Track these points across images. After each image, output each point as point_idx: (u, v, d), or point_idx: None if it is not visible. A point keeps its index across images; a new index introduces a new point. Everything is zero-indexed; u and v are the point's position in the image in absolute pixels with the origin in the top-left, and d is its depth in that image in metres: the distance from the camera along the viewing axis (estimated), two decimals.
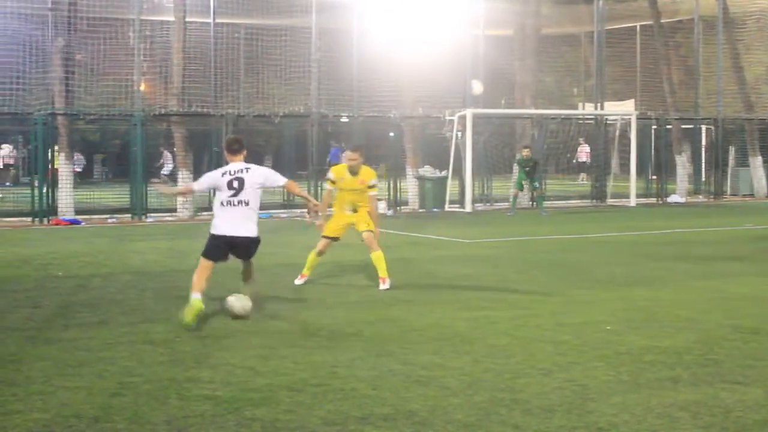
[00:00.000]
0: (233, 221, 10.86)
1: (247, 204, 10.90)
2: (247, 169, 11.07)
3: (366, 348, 9.07)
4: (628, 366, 8.28)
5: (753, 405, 7.04)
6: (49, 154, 26.77)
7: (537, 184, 29.12)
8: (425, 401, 7.20)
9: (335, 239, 13.71)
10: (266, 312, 11.18)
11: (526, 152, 28.92)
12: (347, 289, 13.18)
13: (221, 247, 10.98)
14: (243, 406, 7.03)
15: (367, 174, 13.57)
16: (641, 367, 8.23)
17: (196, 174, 24.13)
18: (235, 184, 10.91)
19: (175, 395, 7.33)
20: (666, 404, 7.08)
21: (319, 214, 12.98)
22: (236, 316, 10.56)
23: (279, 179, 11.35)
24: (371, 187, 13.60)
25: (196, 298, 10.36)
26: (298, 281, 13.70)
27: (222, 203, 10.93)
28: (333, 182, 13.66)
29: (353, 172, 13.46)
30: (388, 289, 13.02)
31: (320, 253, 13.73)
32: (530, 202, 30.70)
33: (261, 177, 11.14)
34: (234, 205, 10.87)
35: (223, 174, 11.05)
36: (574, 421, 6.70)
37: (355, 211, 13.61)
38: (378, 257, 13.46)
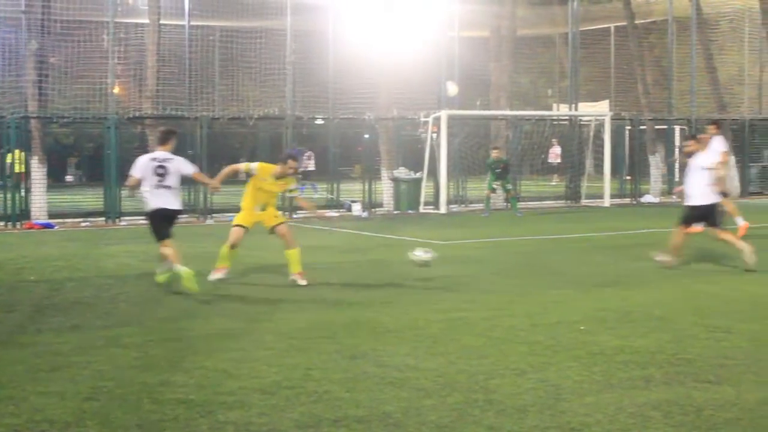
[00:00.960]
0: (164, 198, 13.23)
1: (169, 188, 13.23)
2: (170, 159, 13.33)
3: (340, 350, 9.07)
4: (601, 366, 8.31)
5: (724, 404, 7.09)
6: (9, 157, 26.48)
7: (509, 186, 29.15)
8: (399, 403, 7.21)
9: (247, 228, 14.08)
10: (240, 315, 11.17)
11: (495, 153, 28.98)
12: (321, 291, 13.16)
13: (162, 222, 13.35)
14: (216, 410, 7.02)
15: (290, 181, 14.36)
16: (614, 367, 8.27)
17: None
18: (160, 170, 13.19)
19: (147, 399, 7.30)
20: (638, 404, 7.11)
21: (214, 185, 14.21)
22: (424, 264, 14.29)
23: (189, 169, 13.67)
24: (292, 190, 14.71)
25: (183, 269, 12.51)
26: (215, 276, 13.78)
27: (151, 187, 13.18)
28: (249, 171, 13.98)
29: (280, 177, 14.00)
30: (306, 285, 13.44)
31: (234, 246, 13.94)
32: (505, 203, 30.75)
33: (179, 165, 13.42)
34: (161, 188, 13.18)
35: (152, 159, 13.30)
36: (547, 421, 6.73)
37: (263, 209, 14.11)
38: (294, 254, 13.92)
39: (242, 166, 14.30)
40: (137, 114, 28.27)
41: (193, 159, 25.03)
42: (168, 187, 13.23)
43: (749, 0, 38.02)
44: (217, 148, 33.31)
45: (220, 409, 7.04)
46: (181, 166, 13.50)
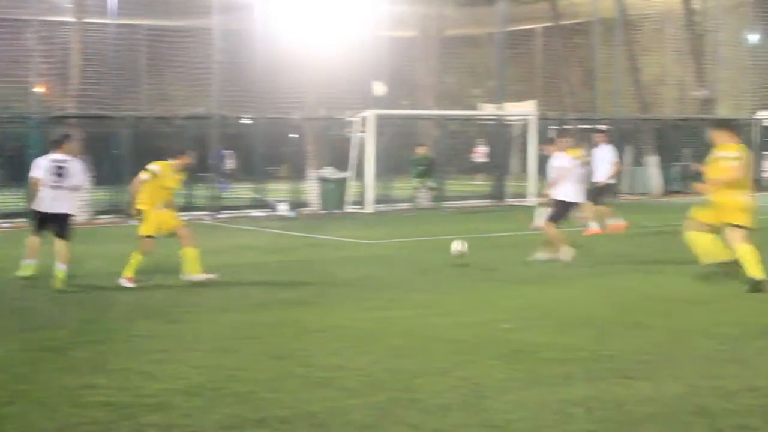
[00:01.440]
0: (55, 200, 13.60)
1: (64, 189, 13.65)
2: (69, 160, 13.86)
3: (265, 350, 9.05)
4: (524, 363, 8.40)
5: (644, 398, 7.20)
6: None
7: (433, 184, 29.23)
8: (324, 403, 7.22)
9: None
10: (164, 316, 11.09)
11: (420, 150, 29.06)
12: (247, 291, 13.11)
13: (41, 222, 13.89)
14: (138, 412, 6.96)
15: (183, 175, 14.85)
16: (536, 364, 8.35)
17: (96, 178, 23.74)
18: (59, 171, 13.63)
19: (68, 402, 7.22)
20: (560, 400, 7.19)
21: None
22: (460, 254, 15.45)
23: (81, 179, 14.16)
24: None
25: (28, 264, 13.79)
26: (128, 284, 13.52)
27: (46, 187, 13.57)
28: (154, 175, 13.97)
29: (178, 171, 14.38)
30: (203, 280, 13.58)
31: (147, 254, 13.94)
32: (432, 202, 30.84)
33: (77, 169, 13.91)
34: (58, 188, 13.57)
35: (51, 160, 13.75)
36: (470, 418, 6.77)
37: (165, 207, 14.23)
38: (193, 254, 13.96)
39: (145, 175, 14.11)
40: (61, 113, 27.88)
41: (118, 159, 24.76)
42: (63, 188, 13.65)
43: (672, 2, 38.59)
44: (143, 148, 32.96)
45: (142, 411, 6.98)
46: (78, 171, 13.94)
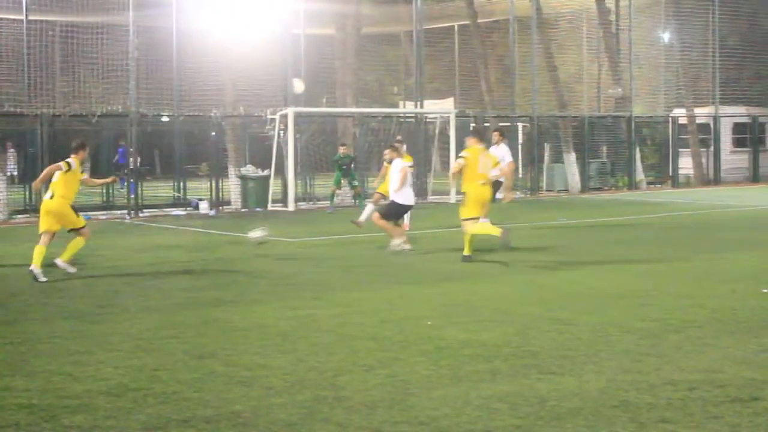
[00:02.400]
0: None
1: None
2: None
3: (188, 350, 8.97)
4: (448, 360, 8.43)
5: (567, 394, 7.27)
6: None
7: (356, 182, 29.30)
8: (248, 402, 7.17)
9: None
10: (84, 316, 10.94)
11: (343, 149, 29.10)
12: (168, 290, 12.99)
13: None
14: (60, 414, 6.85)
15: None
16: (461, 361, 8.39)
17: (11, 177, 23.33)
18: None
19: None
20: (485, 396, 7.24)
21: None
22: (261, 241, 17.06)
23: None
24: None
25: None
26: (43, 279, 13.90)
27: None
28: (69, 167, 14.40)
29: (83, 163, 15.13)
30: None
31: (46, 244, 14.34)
32: (353, 200, 30.86)
33: None
34: None
35: None
36: (395, 416, 6.78)
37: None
38: (79, 243, 14.71)
39: (62, 164, 14.46)
40: None
41: (34, 157, 24.38)
42: None
43: (587, 1, 39.11)
44: (59, 146, 32.47)
45: (65, 413, 6.88)
46: None
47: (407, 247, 16.99)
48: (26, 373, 8.09)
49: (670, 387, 7.44)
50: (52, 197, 14.33)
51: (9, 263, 16.38)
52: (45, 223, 14.26)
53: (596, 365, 8.20)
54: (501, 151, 21.47)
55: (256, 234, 17.51)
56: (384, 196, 20.01)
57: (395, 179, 17.25)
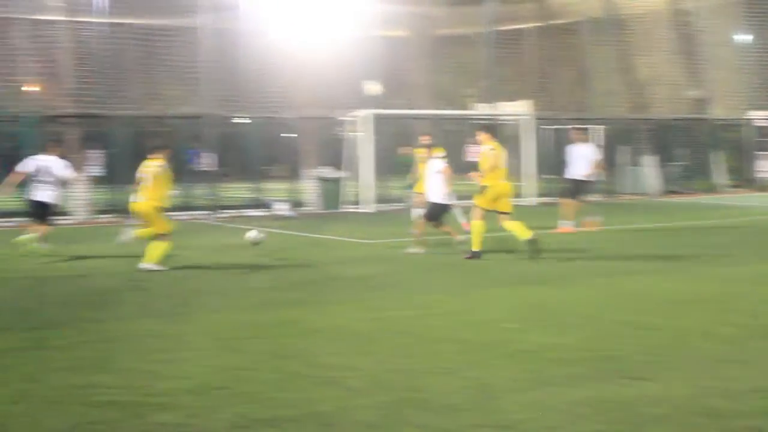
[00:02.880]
0: (38, 191, 17.68)
1: (48, 182, 17.69)
2: (50, 160, 17.79)
3: (269, 350, 9.03)
4: (530, 363, 8.38)
5: (653, 400, 7.18)
6: None
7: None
8: (331, 402, 7.20)
9: None
10: (168, 315, 11.07)
11: (405, 150, 28.94)
12: (249, 291, 13.09)
13: (33, 209, 17.96)
14: (146, 411, 6.93)
15: None
16: (543, 365, 8.34)
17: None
18: (43, 169, 17.66)
19: (76, 401, 7.20)
20: (568, 401, 7.18)
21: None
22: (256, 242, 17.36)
23: (65, 172, 18.02)
24: None
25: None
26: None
27: (34, 181, 17.62)
28: (164, 170, 15.37)
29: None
30: None
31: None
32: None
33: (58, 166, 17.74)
34: (41, 182, 17.64)
35: (37, 162, 17.83)
36: (478, 419, 6.76)
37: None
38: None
39: (158, 170, 15.42)
40: (55, 113, 27.81)
41: (112, 158, 24.68)
42: (47, 182, 17.69)
43: (663, 2, 38.65)
44: (136, 146, 32.91)
45: (150, 410, 6.96)
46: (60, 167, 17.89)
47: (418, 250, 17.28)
48: (112, 370, 8.21)
49: (757, 394, 7.32)
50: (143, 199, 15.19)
51: (93, 263, 16.63)
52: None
53: (680, 371, 8.09)
54: (584, 150, 21.45)
55: (251, 234, 17.75)
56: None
57: (438, 180, 17.34)
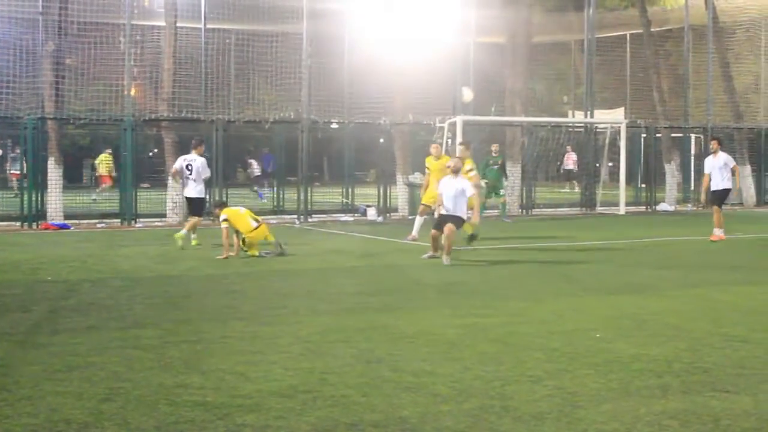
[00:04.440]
0: (188, 188, 20.05)
1: (195, 180, 19.90)
2: (195, 159, 19.98)
3: (356, 355, 9.06)
4: (618, 374, 8.29)
5: (742, 413, 7.06)
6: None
7: (502, 191, 28.76)
8: (415, 408, 7.20)
9: None
10: (256, 318, 11.19)
11: (494, 147, 28.75)
12: (337, 295, 13.17)
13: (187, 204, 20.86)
14: (233, 412, 7.02)
15: None
16: (630, 375, 8.24)
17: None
18: (190, 167, 19.92)
19: (164, 401, 7.31)
20: (655, 412, 7.09)
21: None
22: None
23: (205, 171, 20.21)
24: None
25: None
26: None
27: (184, 178, 20.02)
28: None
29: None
30: None
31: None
32: (520, 209, 30.66)
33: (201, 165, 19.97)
34: (189, 179, 19.92)
35: (184, 160, 20.20)
36: (563, 428, 6.71)
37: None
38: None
39: None
40: (153, 116, 28.34)
41: (208, 161, 25.13)
42: (193, 180, 19.96)
43: (765, 9, 37.91)
44: (233, 150, 33.36)
45: (238, 411, 7.04)
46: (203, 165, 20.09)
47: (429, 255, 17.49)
48: (200, 371, 8.32)
49: None
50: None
51: (184, 265, 16.89)
52: None
53: None
54: (722, 159, 21.29)
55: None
56: (430, 208, 19.96)
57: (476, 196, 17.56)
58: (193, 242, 19.96)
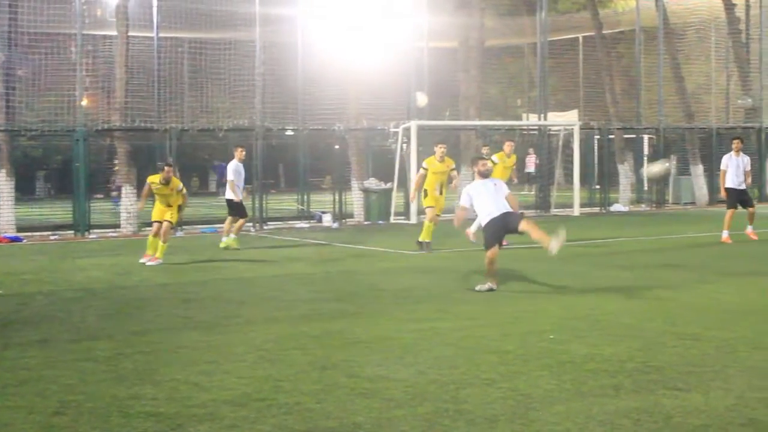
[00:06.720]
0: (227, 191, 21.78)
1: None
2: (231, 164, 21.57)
3: (311, 361, 9.05)
4: (571, 374, 8.34)
5: (693, 410, 7.12)
6: None
7: None
8: (370, 413, 7.20)
9: None
10: (211, 327, 11.14)
11: (485, 150, 28.84)
12: (292, 302, 13.14)
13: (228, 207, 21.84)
14: (186, 423, 6.98)
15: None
16: (584, 376, 8.29)
17: (140, 189, 23.82)
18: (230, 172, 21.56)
19: (117, 413, 7.26)
20: (608, 412, 7.14)
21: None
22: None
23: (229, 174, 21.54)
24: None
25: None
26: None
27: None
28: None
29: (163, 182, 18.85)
30: None
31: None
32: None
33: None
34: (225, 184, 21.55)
35: (224, 166, 20.44)
36: (517, 430, 6.74)
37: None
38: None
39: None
40: (106, 126, 28.13)
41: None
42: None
43: (715, 10, 38.32)
44: (187, 159, 33.21)
45: (191, 421, 7.01)
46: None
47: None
48: (154, 382, 8.27)
49: None
50: None
51: (138, 275, 16.79)
52: None
53: (724, 382, 8.01)
54: (745, 160, 21.50)
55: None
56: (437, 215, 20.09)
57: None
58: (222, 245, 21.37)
